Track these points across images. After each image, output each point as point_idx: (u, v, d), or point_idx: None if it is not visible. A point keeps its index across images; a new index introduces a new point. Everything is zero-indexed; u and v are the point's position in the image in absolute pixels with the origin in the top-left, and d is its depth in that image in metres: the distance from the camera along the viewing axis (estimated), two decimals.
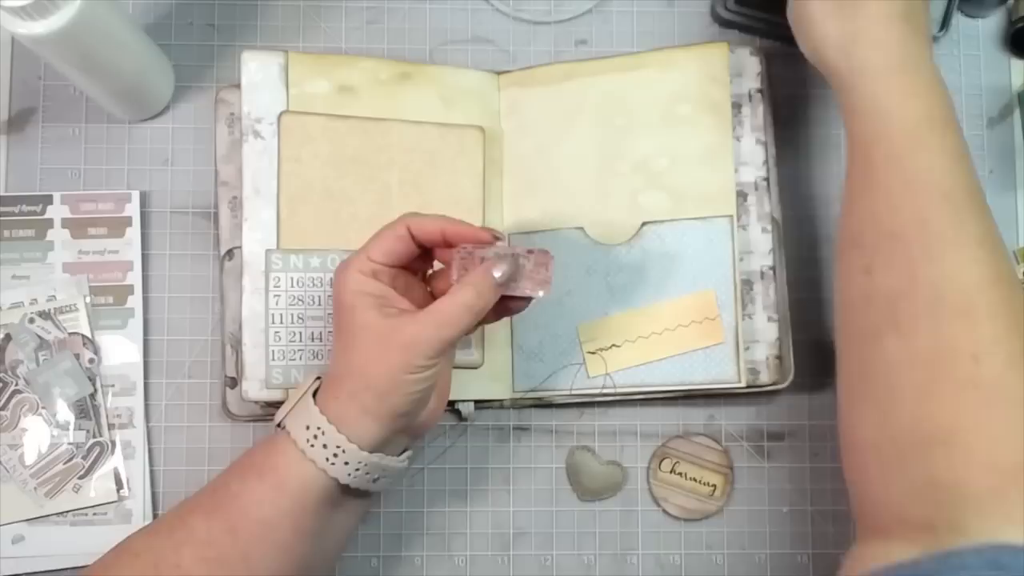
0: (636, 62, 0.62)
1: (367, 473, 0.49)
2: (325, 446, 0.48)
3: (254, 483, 0.49)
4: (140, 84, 0.61)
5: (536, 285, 0.50)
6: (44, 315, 0.61)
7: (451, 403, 0.60)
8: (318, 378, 0.51)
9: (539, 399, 0.61)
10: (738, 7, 0.65)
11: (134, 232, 0.62)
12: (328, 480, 0.48)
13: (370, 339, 0.48)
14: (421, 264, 0.53)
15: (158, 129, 0.64)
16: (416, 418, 0.51)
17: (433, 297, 0.53)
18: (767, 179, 0.61)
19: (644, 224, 0.60)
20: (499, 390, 0.60)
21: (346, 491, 0.50)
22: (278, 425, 0.51)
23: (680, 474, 0.62)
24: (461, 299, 0.48)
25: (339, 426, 0.48)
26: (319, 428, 0.48)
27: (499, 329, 0.60)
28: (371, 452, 0.49)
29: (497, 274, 0.49)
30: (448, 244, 0.51)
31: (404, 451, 0.52)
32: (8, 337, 0.60)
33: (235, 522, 0.48)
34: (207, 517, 0.49)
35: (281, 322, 0.58)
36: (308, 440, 0.48)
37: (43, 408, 0.60)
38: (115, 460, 0.60)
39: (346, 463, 0.48)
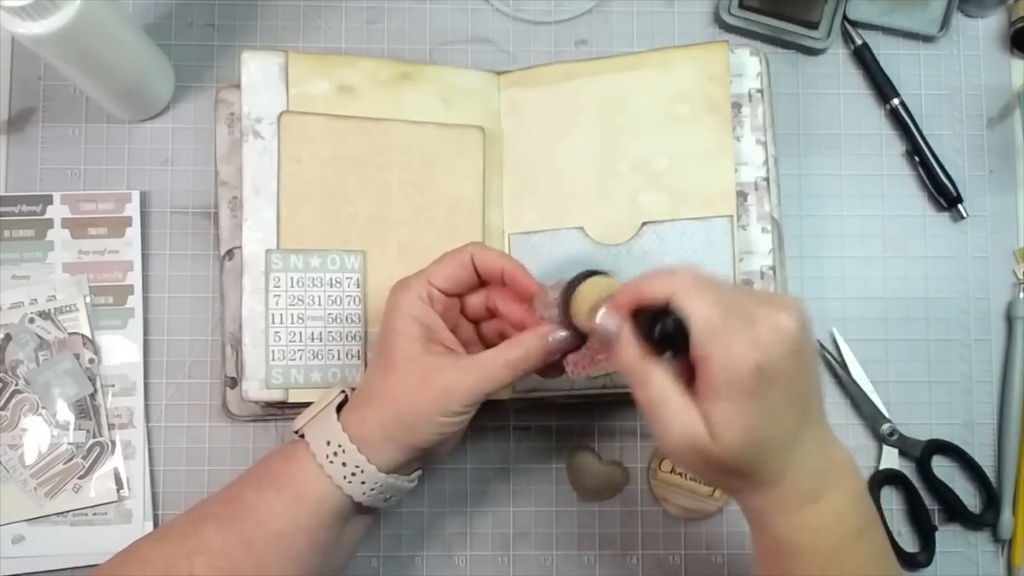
0: (636, 62, 0.62)
1: (381, 493, 0.50)
2: (344, 464, 0.48)
3: (271, 495, 0.49)
4: (140, 84, 0.61)
5: (581, 368, 0.49)
6: (44, 315, 0.61)
7: None
8: (343, 391, 0.51)
9: (539, 399, 0.61)
10: (743, 12, 0.65)
11: (134, 232, 0.62)
12: (343, 496, 0.49)
13: (411, 372, 0.48)
14: (473, 310, 0.53)
15: (158, 129, 0.64)
16: (437, 450, 0.51)
17: (479, 337, 0.53)
18: (767, 179, 0.61)
19: (644, 224, 0.60)
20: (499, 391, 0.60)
21: (358, 507, 0.50)
22: (296, 432, 0.51)
23: (680, 474, 0.62)
24: (509, 356, 0.48)
25: (360, 446, 0.48)
26: (340, 446, 0.48)
27: None
28: (387, 474, 0.49)
29: (551, 339, 0.48)
30: (503, 284, 0.50)
31: (415, 470, 0.52)
32: (8, 337, 0.60)
33: (251, 534, 0.48)
34: (221, 527, 0.48)
35: (281, 322, 0.58)
36: (327, 456, 0.48)
37: (43, 408, 0.60)
38: (115, 460, 0.60)
39: (363, 482, 0.48)
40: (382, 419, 0.48)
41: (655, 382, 0.41)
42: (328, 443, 0.48)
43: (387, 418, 0.48)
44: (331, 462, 0.48)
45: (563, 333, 0.48)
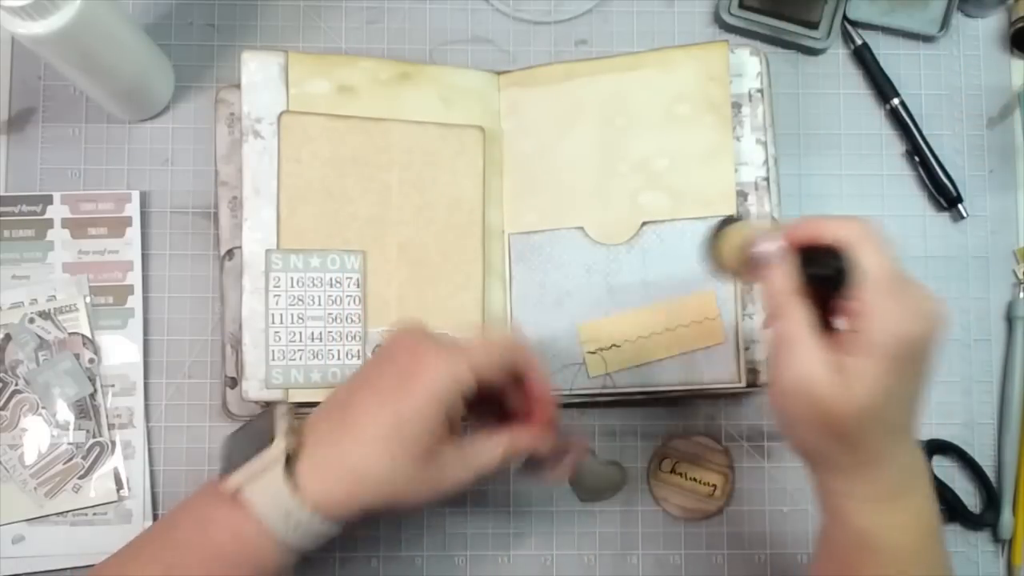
0: (636, 62, 0.62)
1: (330, 539, 0.47)
2: (305, 534, 0.46)
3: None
4: (140, 84, 0.61)
5: (548, 473, 0.54)
6: (44, 315, 0.61)
7: None
8: (284, 445, 0.46)
9: None
10: (743, 12, 0.65)
11: (134, 232, 0.62)
12: (296, 552, 0.46)
13: (420, 468, 0.46)
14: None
15: (158, 129, 0.64)
16: None
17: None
18: (767, 179, 0.61)
19: (644, 224, 0.60)
20: None
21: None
22: (236, 490, 0.46)
23: (680, 474, 0.62)
24: (494, 454, 0.49)
25: (325, 515, 0.45)
26: (302, 520, 0.45)
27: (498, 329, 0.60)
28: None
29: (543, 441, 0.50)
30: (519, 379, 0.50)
31: None
32: (8, 337, 0.60)
33: None
34: None
35: (281, 322, 0.58)
36: (288, 529, 0.45)
37: (43, 408, 0.60)
38: (115, 460, 0.60)
39: (318, 538, 0.46)
40: (368, 499, 0.46)
41: (797, 317, 0.41)
42: (288, 515, 0.45)
43: (375, 501, 0.46)
44: (292, 533, 0.45)
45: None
